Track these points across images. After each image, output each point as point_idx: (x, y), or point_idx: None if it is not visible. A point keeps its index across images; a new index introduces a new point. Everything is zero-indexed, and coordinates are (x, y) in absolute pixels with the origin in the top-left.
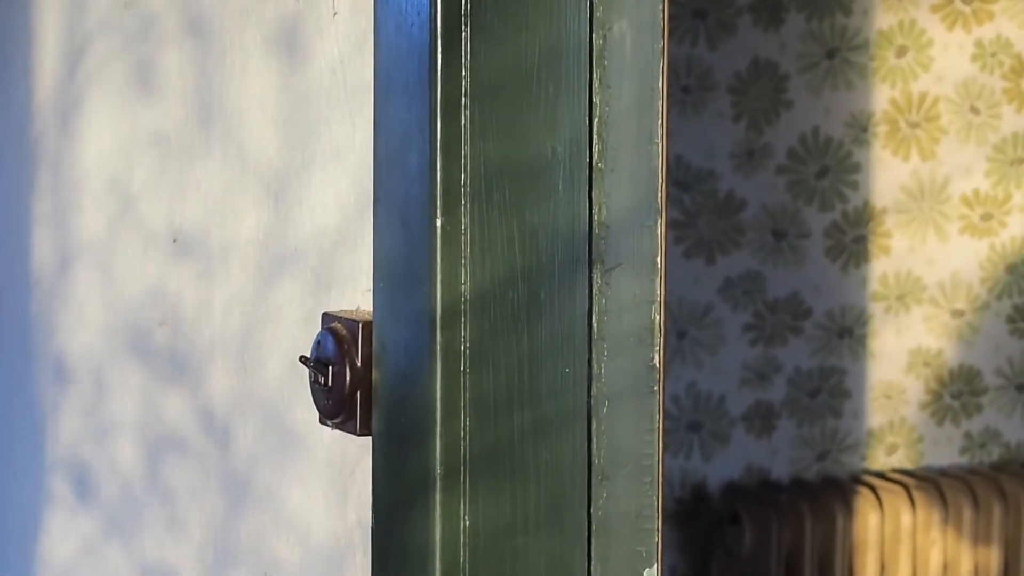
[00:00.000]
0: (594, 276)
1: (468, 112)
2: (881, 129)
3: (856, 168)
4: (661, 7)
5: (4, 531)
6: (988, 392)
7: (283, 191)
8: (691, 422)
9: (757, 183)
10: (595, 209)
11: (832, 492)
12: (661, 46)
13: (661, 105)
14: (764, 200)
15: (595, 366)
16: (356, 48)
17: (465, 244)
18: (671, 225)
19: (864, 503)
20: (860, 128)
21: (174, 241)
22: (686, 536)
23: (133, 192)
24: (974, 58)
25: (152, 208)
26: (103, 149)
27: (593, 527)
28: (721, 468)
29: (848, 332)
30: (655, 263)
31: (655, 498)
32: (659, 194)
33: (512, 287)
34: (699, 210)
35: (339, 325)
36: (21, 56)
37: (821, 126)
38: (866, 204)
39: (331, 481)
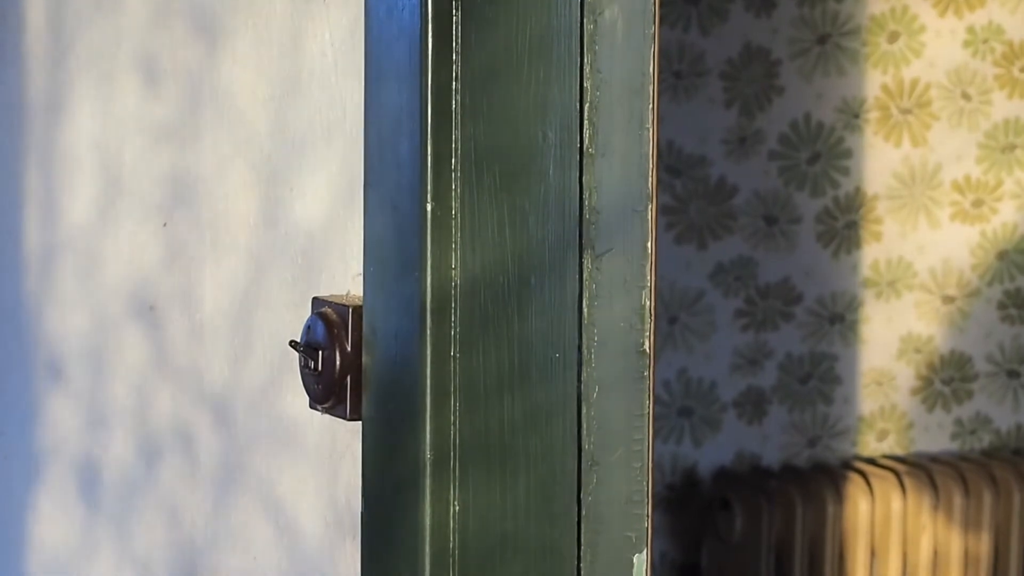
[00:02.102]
0: (584, 261)
1: (459, 97)
2: (873, 115)
3: (847, 154)
4: None
5: None
6: (979, 378)
7: (273, 175)
8: (682, 408)
9: (749, 169)
10: (586, 194)
11: (823, 478)
12: (652, 31)
13: (652, 90)
14: (755, 186)
15: (585, 351)
16: (347, 32)
17: (455, 229)
18: (663, 211)
19: (855, 489)
20: (852, 114)
21: (164, 225)
22: (677, 521)
23: (123, 175)
24: (966, 44)
25: (142, 191)
26: (93, 131)
27: (583, 512)
28: (712, 454)
29: (839, 318)
30: (646, 248)
31: (645, 483)
32: (650, 179)
33: (502, 272)
34: (690, 196)
35: (329, 310)
36: (12, 38)
37: (813, 112)
38: (857, 190)
39: (321, 466)
